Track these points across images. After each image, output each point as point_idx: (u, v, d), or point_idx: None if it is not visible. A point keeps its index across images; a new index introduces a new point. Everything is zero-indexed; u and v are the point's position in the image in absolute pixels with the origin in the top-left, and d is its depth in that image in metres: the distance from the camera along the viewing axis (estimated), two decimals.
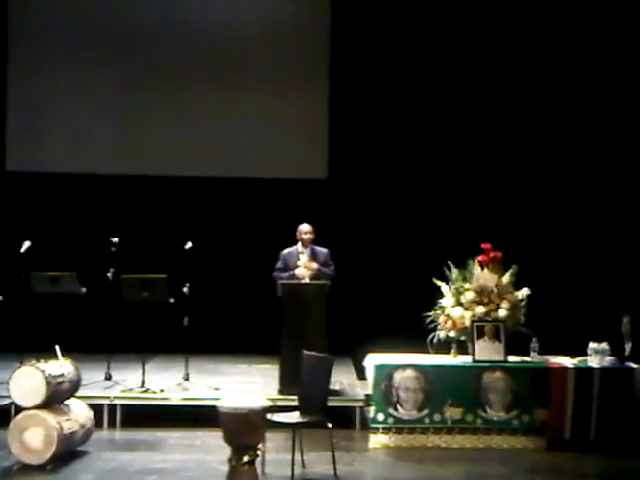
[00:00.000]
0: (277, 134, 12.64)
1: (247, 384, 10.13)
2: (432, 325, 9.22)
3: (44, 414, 7.78)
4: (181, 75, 12.66)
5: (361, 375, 9.86)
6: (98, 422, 8.78)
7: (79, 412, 8.29)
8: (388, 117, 12.61)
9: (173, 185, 12.68)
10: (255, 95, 12.65)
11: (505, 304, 9.11)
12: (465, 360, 9.09)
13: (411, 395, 8.84)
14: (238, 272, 12.33)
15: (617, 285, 11.74)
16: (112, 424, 9.25)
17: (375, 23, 12.60)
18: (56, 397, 7.97)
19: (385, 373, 8.89)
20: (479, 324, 9.04)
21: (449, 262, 9.33)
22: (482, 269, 9.24)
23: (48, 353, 8.25)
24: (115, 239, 10.15)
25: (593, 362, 8.97)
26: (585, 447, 8.68)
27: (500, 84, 12.46)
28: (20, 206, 12.56)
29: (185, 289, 9.93)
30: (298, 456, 7.73)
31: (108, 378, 9.99)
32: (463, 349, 9.18)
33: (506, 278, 9.23)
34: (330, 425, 7.65)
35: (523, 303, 9.23)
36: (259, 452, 6.98)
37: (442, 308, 9.23)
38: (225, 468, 6.90)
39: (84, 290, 9.95)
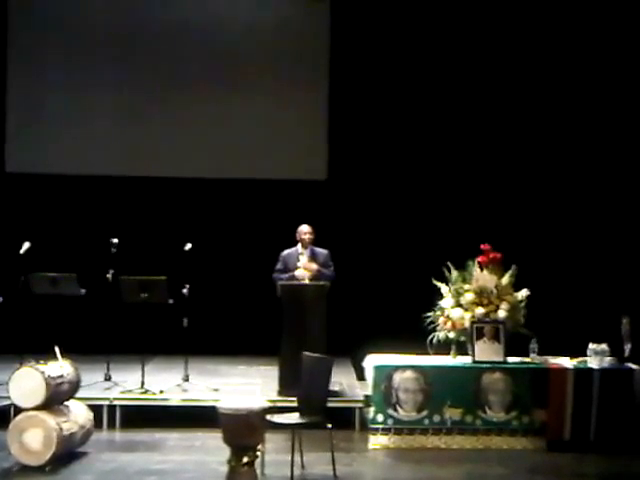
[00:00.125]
0: (276, 135, 12.64)
1: (247, 385, 10.13)
2: (432, 326, 9.22)
3: (43, 415, 7.78)
4: (180, 75, 12.66)
5: (361, 376, 9.86)
6: (97, 423, 8.78)
7: (78, 413, 8.29)
8: (388, 118, 12.61)
9: (172, 186, 12.67)
10: (255, 96, 12.65)
11: (505, 305, 9.11)
12: (465, 361, 9.10)
13: (411, 396, 8.85)
14: (238, 273, 12.32)
15: (616, 286, 11.73)
16: (111, 425, 9.25)
17: (375, 24, 12.60)
18: (55, 398, 7.97)
19: (385, 374, 8.89)
20: (479, 325, 9.04)
21: (449, 263, 9.33)
22: (482, 270, 9.25)
23: (48, 354, 8.25)
24: (115, 240, 10.16)
25: (593, 363, 8.97)
26: (585, 448, 8.69)
27: (500, 84, 12.46)
28: (20, 207, 12.55)
29: (185, 290, 9.93)
30: (297, 457, 7.73)
31: (107, 379, 9.99)
32: (463, 350, 9.18)
33: (505, 279, 9.23)
34: (330, 426, 7.65)
35: (522, 304, 9.23)
36: (258, 453, 6.98)
37: (442, 309, 9.23)
38: (224, 469, 6.90)
39: (83, 291, 9.95)
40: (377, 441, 8.82)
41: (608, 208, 12.34)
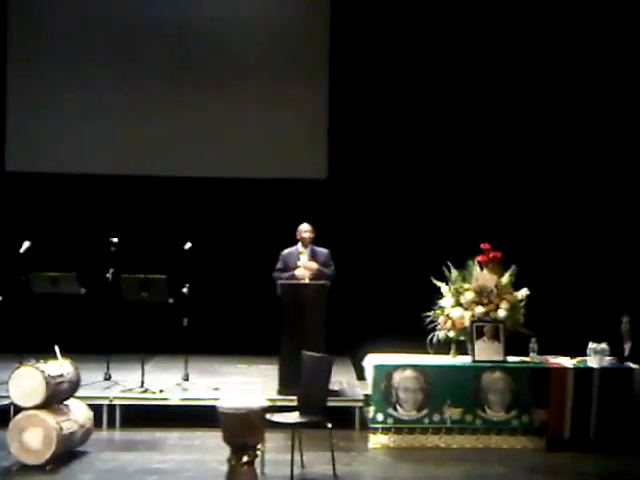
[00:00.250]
0: (277, 134, 12.64)
1: (246, 384, 10.13)
2: (431, 325, 9.22)
3: (43, 414, 7.79)
4: (180, 75, 12.66)
5: (360, 375, 9.85)
6: (97, 422, 8.78)
7: (78, 412, 8.30)
8: (388, 117, 12.61)
9: (173, 185, 12.68)
10: (255, 95, 12.65)
11: (504, 304, 9.11)
12: (464, 360, 9.10)
13: (410, 395, 8.85)
14: (238, 272, 12.32)
15: (616, 285, 11.74)
16: (111, 424, 9.25)
17: (375, 23, 12.60)
18: (55, 397, 7.97)
19: (384, 373, 8.89)
20: (478, 324, 9.04)
21: (448, 262, 9.33)
22: (481, 269, 9.25)
23: (47, 353, 8.25)
24: (115, 239, 10.16)
25: (592, 362, 8.97)
26: (584, 447, 8.69)
27: (500, 83, 12.45)
28: (20, 206, 12.56)
29: (185, 289, 9.93)
30: (297, 456, 7.73)
31: (107, 378, 9.99)
32: (462, 349, 9.18)
33: (505, 278, 9.23)
34: (329, 425, 7.66)
35: (522, 303, 9.23)
36: (258, 452, 6.97)
37: (441, 308, 9.23)
38: (224, 468, 6.90)
39: (84, 290, 9.96)
40: (377, 440, 8.82)
41: (608, 207, 12.34)
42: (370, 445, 8.80)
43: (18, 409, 7.90)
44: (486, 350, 9.01)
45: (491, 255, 9.26)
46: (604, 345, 9.01)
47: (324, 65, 12.69)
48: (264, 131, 12.64)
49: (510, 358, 9.06)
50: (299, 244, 9.89)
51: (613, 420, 8.76)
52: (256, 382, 10.24)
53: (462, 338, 9.16)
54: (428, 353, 9.06)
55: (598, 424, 8.77)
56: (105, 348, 10.05)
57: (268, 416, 7.24)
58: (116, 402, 9.33)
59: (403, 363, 8.95)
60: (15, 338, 9.69)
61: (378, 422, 8.85)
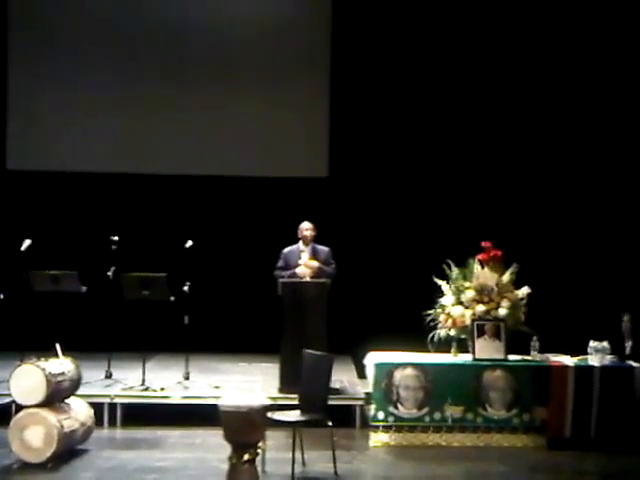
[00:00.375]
0: (278, 133, 12.64)
1: (247, 382, 10.14)
2: (432, 323, 9.21)
3: (44, 412, 7.79)
4: (181, 73, 12.67)
5: (361, 373, 9.86)
6: (98, 420, 8.78)
7: (79, 410, 8.30)
8: (388, 115, 12.62)
9: (174, 184, 12.69)
10: (255, 93, 12.66)
11: (505, 303, 9.10)
12: (465, 358, 9.10)
13: (411, 393, 8.85)
14: (239, 271, 12.33)
15: (617, 283, 11.74)
16: (112, 422, 9.25)
17: (376, 21, 12.61)
18: (56, 395, 7.97)
19: (385, 371, 8.89)
20: (479, 323, 9.04)
21: (449, 260, 9.33)
22: (482, 267, 9.25)
23: (48, 351, 8.25)
24: (115, 237, 10.16)
25: (593, 361, 8.97)
26: (585, 445, 8.69)
27: (500, 81, 12.46)
28: (20, 205, 12.57)
29: (185, 287, 9.92)
30: (298, 454, 7.73)
31: (108, 376, 10.00)
32: (463, 347, 9.18)
33: (506, 277, 9.23)
34: (330, 423, 7.65)
35: (523, 302, 9.22)
36: (259, 450, 6.97)
37: (442, 306, 9.23)
38: (225, 466, 6.90)
39: (84, 289, 9.96)
40: (378, 438, 8.82)
41: (608, 206, 12.34)
42: (371, 443, 8.80)
43: (19, 407, 7.90)
44: (487, 348, 9.00)
45: (492, 253, 9.26)
46: (605, 343, 9.01)
47: (325, 64, 12.70)
48: (265, 129, 12.64)
49: (511, 356, 9.06)
50: (300, 242, 9.89)
51: (614, 419, 8.76)
52: (257, 380, 10.25)
53: (463, 336, 9.16)
54: (429, 351, 9.06)
55: (599, 423, 8.76)
56: (106, 346, 10.05)
57: (269, 414, 7.23)
58: (117, 400, 9.33)
59: (404, 361, 8.95)
60: (16, 336, 9.69)
61: (379, 420, 8.85)
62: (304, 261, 9.73)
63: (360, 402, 9.40)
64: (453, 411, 8.84)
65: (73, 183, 12.65)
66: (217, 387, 9.72)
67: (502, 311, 9.07)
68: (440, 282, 9.32)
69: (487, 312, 9.09)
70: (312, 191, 12.53)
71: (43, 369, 7.81)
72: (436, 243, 11.49)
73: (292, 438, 7.52)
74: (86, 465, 7.91)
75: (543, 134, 12.51)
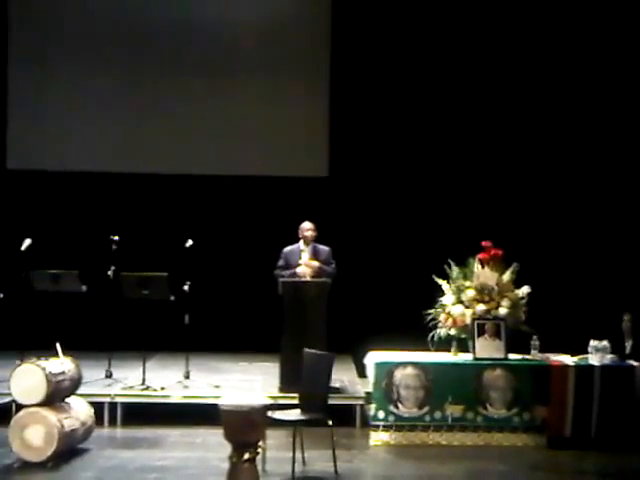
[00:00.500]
0: (278, 132, 12.63)
1: (248, 382, 10.14)
2: (433, 323, 9.21)
3: (45, 412, 7.79)
4: (181, 73, 12.66)
5: (362, 373, 9.85)
6: (99, 420, 8.79)
7: (80, 410, 8.30)
8: (389, 115, 12.61)
9: (174, 183, 12.68)
10: (256, 92, 12.65)
11: (506, 302, 9.10)
12: (466, 358, 9.10)
13: (412, 393, 8.85)
14: (239, 270, 12.33)
15: (617, 283, 11.73)
16: (113, 422, 9.25)
17: (376, 21, 12.60)
18: (57, 395, 7.97)
19: (386, 371, 8.89)
20: (480, 322, 9.04)
21: (450, 260, 9.33)
22: (483, 267, 9.25)
23: (49, 351, 8.25)
24: (116, 237, 10.16)
25: (594, 360, 8.97)
26: (585, 445, 8.69)
27: (500, 80, 12.45)
28: (21, 204, 12.56)
29: (186, 287, 9.92)
30: (299, 454, 7.74)
31: (109, 376, 9.99)
32: (464, 347, 9.18)
33: (507, 276, 9.23)
34: (331, 423, 7.66)
35: (524, 301, 9.23)
36: (260, 450, 6.96)
37: (443, 306, 9.23)
38: (226, 465, 6.89)
39: (85, 288, 9.95)
40: (378, 438, 8.83)
41: (609, 205, 12.34)
42: (371, 442, 8.80)
43: (20, 406, 7.91)
44: (487, 348, 9.00)
45: (492, 253, 9.26)
46: (605, 343, 9.01)
47: (325, 63, 12.69)
48: (266, 129, 12.64)
49: (511, 356, 9.06)
50: (301, 242, 9.89)
51: (614, 418, 8.76)
52: (257, 380, 10.24)
53: (463, 336, 9.16)
54: (429, 351, 9.06)
55: (599, 422, 8.77)
56: (106, 346, 10.05)
57: (269, 414, 7.23)
58: (117, 399, 9.33)
59: (404, 361, 8.95)
60: (16, 336, 9.68)
61: (379, 419, 8.86)
62: (305, 261, 9.73)
63: (360, 401, 9.40)
64: (453, 410, 8.84)
65: (73, 183, 12.64)
66: (217, 386, 9.72)
67: (502, 310, 9.08)
68: (440, 281, 9.32)
69: (487, 311, 9.09)
70: (312, 191, 12.52)
71: (43, 368, 7.81)
72: (436, 242, 11.50)
73: (292, 437, 7.52)
74: (86, 464, 7.91)
75: (543, 133, 12.50)
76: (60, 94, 12.67)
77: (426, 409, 8.85)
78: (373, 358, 9.12)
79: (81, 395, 8.56)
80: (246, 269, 12.17)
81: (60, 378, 7.98)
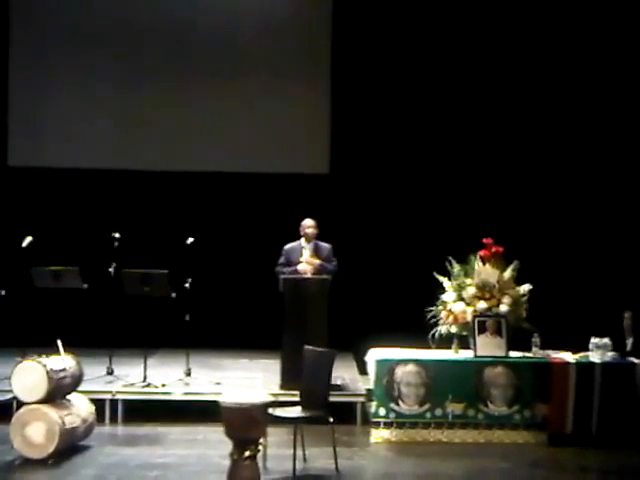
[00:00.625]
0: (279, 129, 12.63)
1: (248, 379, 10.14)
2: (434, 320, 9.22)
3: (46, 409, 7.80)
4: (182, 70, 12.65)
5: (362, 370, 9.86)
6: (100, 417, 8.80)
7: (81, 407, 8.31)
8: (390, 112, 12.60)
9: (175, 180, 12.68)
10: (256, 90, 12.64)
11: (507, 299, 9.10)
12: (467, 355, 9.10)
13: (412, 390, 8.85)
14: (240, 267, 12.33)
15: (618, 280, 11.73)
16: (114, 419, 9.26)
17: (377, 19, 12.59)
18: (58, 392, 7.98)
19: (386, 368, 8.89)
20: (481, 319, 9.04)
21: (450, 257, 9.33)
22: (484, 264, 9.24)
23: (50, 348, 8.26)
24: (117, 234, 10.16)
25: (595, 357, 8.97)
26: (586, 442, 8.70)
27: (501, 79, 12.44)
28: (22, 201, 12.56)
29: (187, 284, 9.93)
30: (299, 451, 7.74)
31: (110, 373, 10.00)
32: (465, 344, 9.18)
33: (508, 273, 9.23)
34: (331, 420, 7.66)
35: (525, 298, 9.22)
36: (260, 447, 6.98)
37: (444, 303, 9.23)
38: (227, 463, 6.90)
39: (86, 285, 9.95)
40: (379, 435, 8.83)
41: (610, 203, 12.33)
42: (372, 440, 8.80)
43: (21, 403, 7.91)
44: (488, 345, 9.00)
45: (493, 250, 9.25)
46: (606, 340, 9.02)
47: (326, 60, 12.69)
48: (266, 126, 12.63)
49: (512, 353, 9.06)
50: (302, 239, 9.88)
51: (615, 415, 8.76)
52: (258, 377, 10.25)
53: (464, 333, 9.16)
54: (430, 348, 9.06)
55: (600, 419, 8.77)
56: (107, 343, 10.05)
57: (270, 411, 7.24)
58: (118, 397, 9.34)
59: (405, 358, 8.96)
60: (17, 332, 9.69)
61: (380, 417, 8.86)
62: (306, 258, 9.73)
63: (361, 398, 9.40)
64: (454, 408, 8.84)
65: (74, 180, 12.63)
66: (218, 383, 9.72)
67: (503, 308, 9.07)
68: (441, 279, 9.32)
69: (488, 309, 9.09)
70: (313, 188, 12.52)
71: (44, 365, 7.82)
72: (437, 240, 11.49)
73: (293, 434, 7.52)
74: (87, 461, 7.92)
75: (544, 131, 12.50)
76: (61, 91, 12.66)
77: (427, 406, 8.85)
78: (374, 355, 9.13)
79: (82, 392, 8.57)
80: (247, 266, 12.17)
81: (61, 375, 7.98)
